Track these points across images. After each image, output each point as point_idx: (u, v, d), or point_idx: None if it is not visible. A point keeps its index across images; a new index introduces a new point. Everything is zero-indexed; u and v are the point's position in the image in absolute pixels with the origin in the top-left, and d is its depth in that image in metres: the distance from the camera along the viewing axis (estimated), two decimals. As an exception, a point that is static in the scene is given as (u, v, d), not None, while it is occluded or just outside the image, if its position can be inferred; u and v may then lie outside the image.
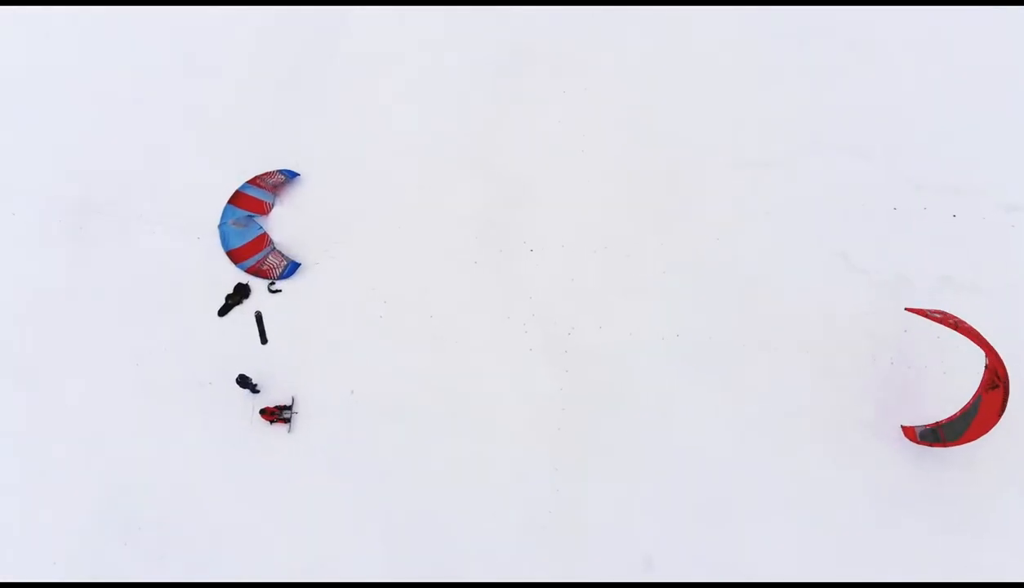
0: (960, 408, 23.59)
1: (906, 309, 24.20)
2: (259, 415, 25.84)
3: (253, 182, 28.02)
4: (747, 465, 24.84)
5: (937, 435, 23.87)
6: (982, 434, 23.06)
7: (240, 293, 27.34)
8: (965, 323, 22.84)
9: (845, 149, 27.55)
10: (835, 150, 27.51)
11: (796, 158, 27.52)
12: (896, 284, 26.18)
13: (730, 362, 25.73)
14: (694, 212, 27.18)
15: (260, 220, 27.92)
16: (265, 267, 27.29)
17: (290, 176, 28.15)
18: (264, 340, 26.99)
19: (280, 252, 27.51)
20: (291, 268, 27.28)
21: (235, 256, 27.44)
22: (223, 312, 27.26)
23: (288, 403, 26.34)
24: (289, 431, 26.09)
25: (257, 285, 27.37)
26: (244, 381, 25.61)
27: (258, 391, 26.29)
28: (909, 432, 24.27)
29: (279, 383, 26.42)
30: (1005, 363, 22.39)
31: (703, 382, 25.58)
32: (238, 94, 29.50)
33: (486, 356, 26.32)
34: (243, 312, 27.15)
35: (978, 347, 22.48)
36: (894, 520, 24.41)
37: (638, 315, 26.31)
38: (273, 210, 28.17)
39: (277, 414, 25.92)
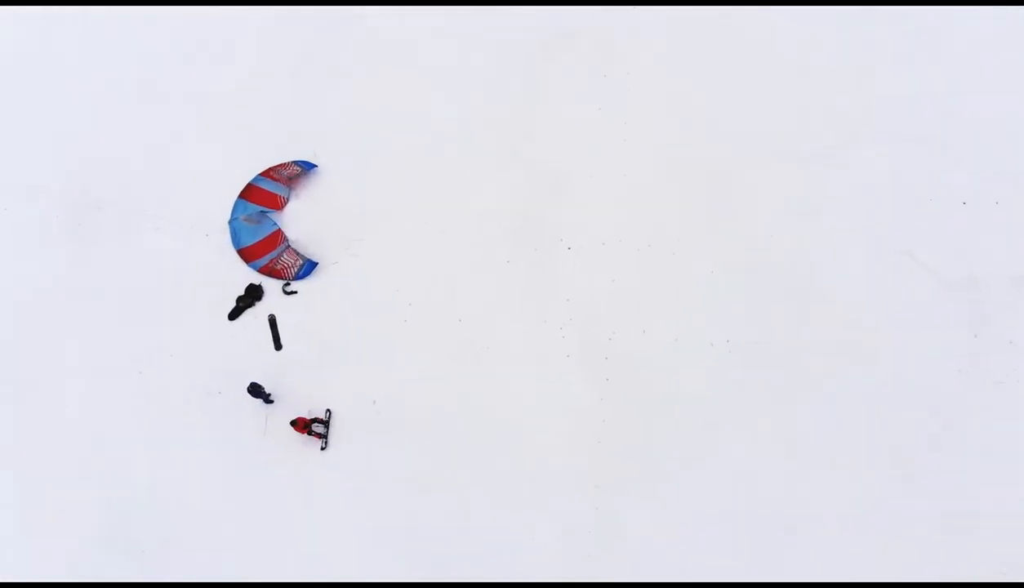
0: None
1: None
2: (290, 426, 25.38)
3: (266, 174, 27.84)
4: (803, 484, 24.60)
5: None
6: None
7: (252, 295, 27.16)
8: None
9: (910, 138, 27.24)
10: (899, 139, 27.20)
11: (856, 148, 27.28)
12: (966, 285, 25.91)
13: (785, 371, 25.55)
14: (745, 207, 26.99)
15: (274, 216, 27.73)
16: (279, 266, 27.10)
17: (307, 168, 27.98)
18: (278, 346, 26.79)
19: (296, 250, 27.33)
20: (308, 268, 27.11)
21: (247, 255, 27.26)
22: (233, 315, 27.08)
23: (323, 416, 26.03)
24: (323, 447, 25.81)
25: (271, 286, 27.24)
26: (256, 390, 25.29)
27: (271, 401, 25.98)
28: None
29: (295, 393, 26.19)
30: None
31: (755, 392, 25.42)
32: (249, 78, 29.24)
33: (520, 363, 26.15)
34: (255, 315, 27.04)
35: None
36: (966, 549, 24.09)
37: (685, 319, 26.17)
38: (288, 204, 28.02)
39: (310, 427, 25.50)
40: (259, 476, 25.57)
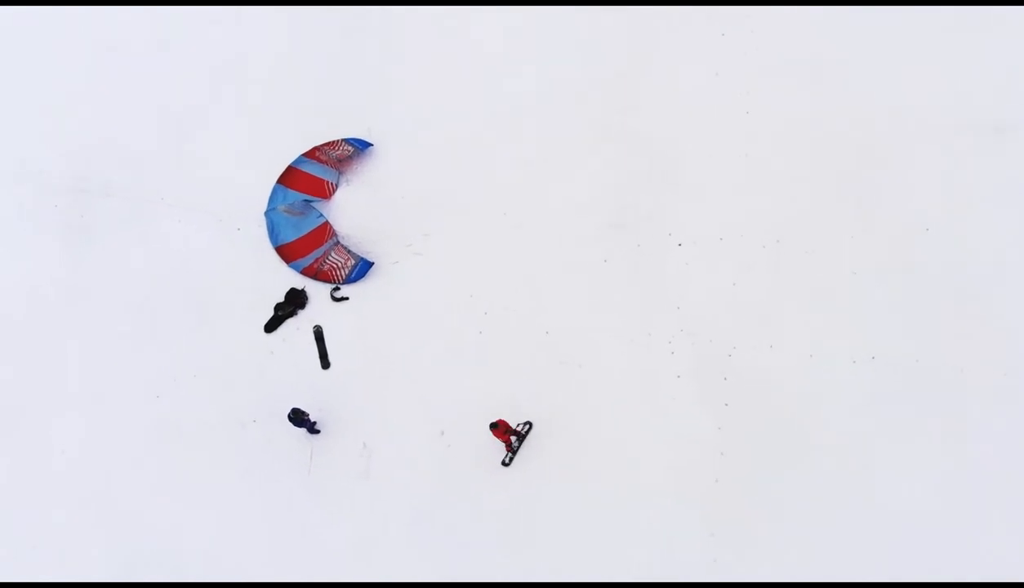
0: None
1: None
2: (489, 429, 24.53)
3: (311, 155, 27.71)
4: (972, 532, 23.84)
5: None
6: None
7: (294, 302, 26.98)
8: None
9: (1101, 112, 26.65)
10: (1088, 113, 26.58)
11: (1033, 124, 26.76)
12: None
13: (944, 394, 24.86)
14: (897, 194, 26.45)
15: (320, 205, 27.59)
16: (327, 267, 26.87)
17: (360, 147, 27.75)
18: (326, 364, 26.51)
19: (346, 248, 27.11)
20: (361, 269, 26.87)
21: (287, 253, 27.12)
22: (271, 327, 26.87)
23: (522, 429, 25.44)
24: (507, 463, 25.34)
25: (316, 291, 27.04)
26: (299, 419, 24.81)
27: (317, 432, 25.60)
28: None
29: (345, 422, 25.86)
30: None
31: (908, 420, 24.72)
32: (291, 38, 29.16)
33: (620, 385, 25.63)
34: (298, 327, 26.81)
35: None
36: None
37: (821, 331, 25.62)
38: (338, 192, 27.90)
39: (511, 436, 24.88)
40: (303, 523, 25.35)
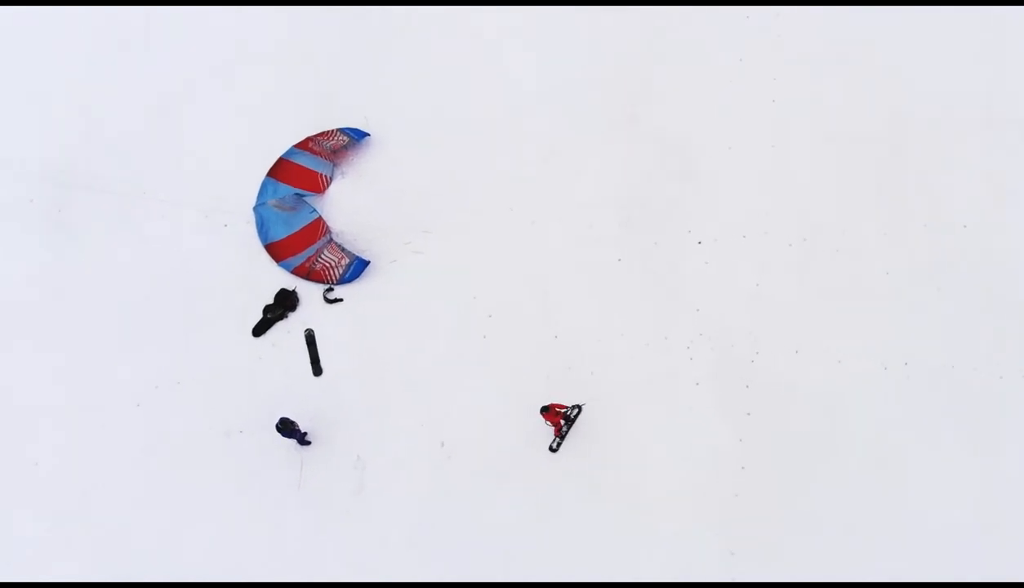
0: None
1: None
2: (540, 412, 24.25)
3: (303, 146, 27.21)
4: (1009, 548, 23.55)
5: None
6: None
7: (284, 304, 26.45)
8: None
9: None
10: None
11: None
12: None
13: (981, 401, 24.61)
14: (933, 189, 26.17)
15: (313, 200, 27.07)
16: (319, 266, 26.36)
17: (356, 137, 27.30)
18: (317, 370, 25.98)
19: (340, 245, 26.59)
20: (356, 268, 26.33)
21: (277, 251, 26.61)
22: (260, 330, 26.32)
23: (571, 413, 24.91)
24: (554, 449, 24.84)
25: (309, 292, 26.47)
26: (288, 428, 24.25)
27: (308, 442, 25.04)
28: None
29: (338, 432, 25.28)
30: None
31: (943, 429, 24.45)
32: (283, 23, 28.78)
33: (634, 393, 25.15)
34: (288, 331, 26.23)
35: None
36: None
37: (850, 335, 25.30)
38: (332, 185, 27.41)
39: (562, 418, 24.46)
40: (291, 539, 25.04)
